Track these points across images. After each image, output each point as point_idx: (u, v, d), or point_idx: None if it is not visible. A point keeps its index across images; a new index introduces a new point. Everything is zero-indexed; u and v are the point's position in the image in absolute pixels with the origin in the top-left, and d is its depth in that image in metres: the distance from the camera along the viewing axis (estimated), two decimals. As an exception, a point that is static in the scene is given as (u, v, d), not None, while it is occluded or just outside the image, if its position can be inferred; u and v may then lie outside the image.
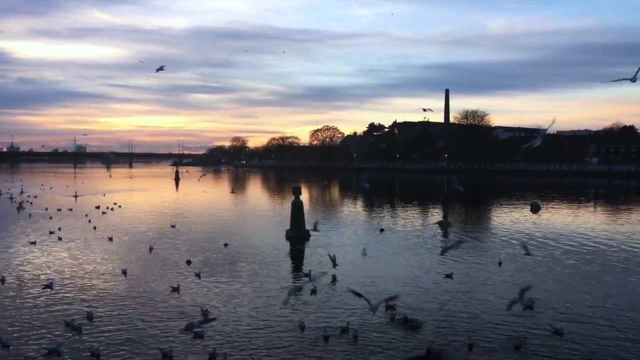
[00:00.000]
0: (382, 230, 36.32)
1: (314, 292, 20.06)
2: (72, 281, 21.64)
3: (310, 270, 22.95)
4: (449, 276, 22.69)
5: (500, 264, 25.41)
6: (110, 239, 31.30)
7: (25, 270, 23.38)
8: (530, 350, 14.41)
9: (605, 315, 17.59)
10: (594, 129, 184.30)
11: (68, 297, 19.25)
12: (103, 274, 22.90)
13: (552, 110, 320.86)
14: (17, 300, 18.73)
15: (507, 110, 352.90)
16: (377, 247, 30.33)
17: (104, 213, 45.27)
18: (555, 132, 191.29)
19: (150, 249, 27.92)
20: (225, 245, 29.33)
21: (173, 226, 37.25)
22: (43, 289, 20.18)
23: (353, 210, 54.32)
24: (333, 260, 21.49)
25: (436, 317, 17.18)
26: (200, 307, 17.55)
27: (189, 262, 24.56)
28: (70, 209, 47.28)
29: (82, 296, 19.41)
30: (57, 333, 15.38)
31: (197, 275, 22.32)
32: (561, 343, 14.89)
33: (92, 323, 16.09)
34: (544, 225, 39.77)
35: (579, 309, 18.24)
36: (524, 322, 16.73)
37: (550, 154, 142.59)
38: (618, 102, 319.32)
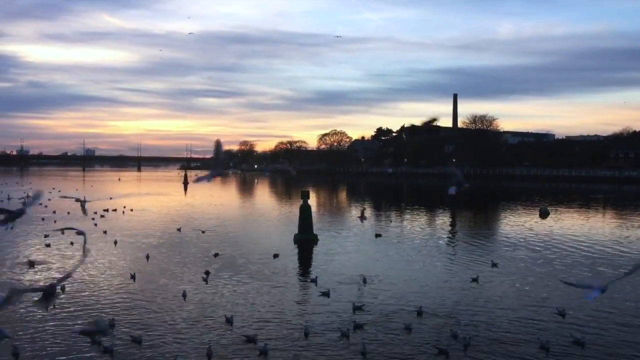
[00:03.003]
0: (378, 235, 36.11)
1: (325, 294, 20.16)
2: (82, 285, 21.75)
3: (316, 276, 22.90)
4: (475, 280, 22.70)
5: (494, 265, 25.81)
6: (115, 243, 31.44)
7: (35, 273, 23.53)
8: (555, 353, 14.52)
9: (626, 322, 17.53)
10: (604, 134, 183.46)
11: (79, 300, 19.36)
12: (112, 278, 23.00)
13: (560, 115, 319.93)
14: (29, 305, 18.85)
15: (516, 115, 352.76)
16: (381, 251, 30.34)
17: (102, 216, 45.26)
18: (564, 137, 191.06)
19: (147, 257, 26.98)
20: (216, 255, 28.00)
21: (179, 229, 37.40)
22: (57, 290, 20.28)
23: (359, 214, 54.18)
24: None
25: (462, 316, 17.20)
26: (225, 314, 17.30)
27: (207, 273, 23.39)
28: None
29: (93, 300, 19.53)
30: (73, 338, 15.49)
31: (205, 280, 22.36)
32: (582, 351, 14.80)
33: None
34: (553, 230, 39.56)
35: (598, 314, 18.13)
36: (551, 326, 16.76)
37: (559, 159, 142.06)
38: (628, 107, 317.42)
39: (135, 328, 16.22)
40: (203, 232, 36.34)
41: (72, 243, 31.08)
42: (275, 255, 27.72)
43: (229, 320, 16.61)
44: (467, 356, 14.31)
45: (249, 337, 15.22)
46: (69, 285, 21.13)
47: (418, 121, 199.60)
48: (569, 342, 15.26)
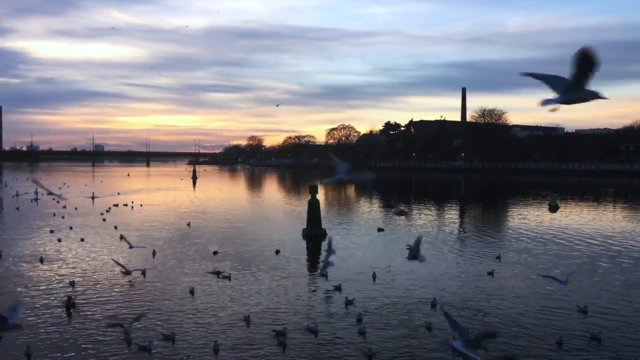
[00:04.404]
0: (380, 229, 35.97)
1: (337, 288, 20.22)
2: (93, 280, 21.89)
3: (326, 272, 22.86)
4: (490, 274, 22.71)
5: (498, 258, 26.05)
6: (121, 237, 31.55)
7: (46, 269, 23.68)
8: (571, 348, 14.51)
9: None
10: (614, 127, 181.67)
11: (91, 295, 19.48)
12: (124, 274, 23.13)
13: (570, 109, 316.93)
14: (44, 300, 19.00)
15: (525, 109, 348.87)
16: (387, 245, 30.31)
17: (107, 211, 45.36)
18: (574, 131, 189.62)
19: (154, 253, 26.78)
20: (215, 253, 27.22)
21: (188, 224, 37.53)
22: (66, 286, 20.48)
23: (368, 209, 54.14)
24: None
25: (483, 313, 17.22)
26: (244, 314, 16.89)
27: (219, 274, 22.76)
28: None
29: (106, 296, 19.65)
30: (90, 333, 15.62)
31: (216, 274, 22.36)
32: (599, 346, 14.76)
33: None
34: (563, 224, 39.34)
35: (615, 310, 18.06)
36: (566, 320, 16.79)
37: (569, 153, 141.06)
38: (638, 100, 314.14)
39: (148, 324, 16.32)
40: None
41: (82, 239, 31.18)
42: (277, 252, 27.56)
43: (247, 319, 16.34)
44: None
45: (278, 331, 15.29)
46: (82, 282, 21.30)
47: (427, 116, 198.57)
48: (586, 337, 15.15)
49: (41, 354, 13.97)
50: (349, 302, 18.29)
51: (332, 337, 15.17)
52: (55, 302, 18.47)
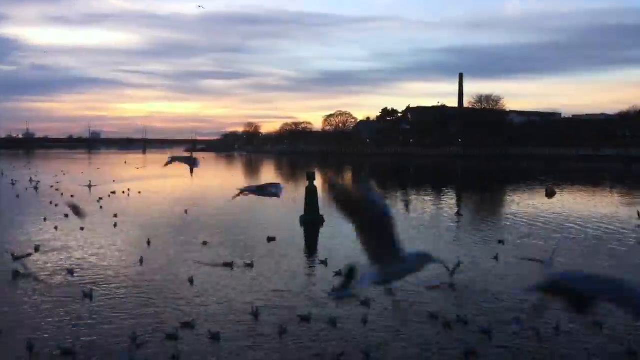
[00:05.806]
0: None
1: (338, 274, 20.19)
2: (92, 269, 21.84)
3: (326, 259, 22.75)
4: (495, 258, 22.92)
5: (501, 242, 26.30)
6: (115, 225, 31.55)
7: (42, 257, 23.61)
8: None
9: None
10: (611, 112, 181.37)
11: (88, 281, 19.42)
12: (121, 261, 23.12)
13: (568, 94, 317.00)
14: (41, 287, 18.96)
15: (523, 94, 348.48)
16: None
17: (101, 199, 44.92)
18: (571, 116, 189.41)
19: (149, 242, 26.31)
20: (205, 243, 26.49)
21: (186, 211, 37.45)
22: (65, 275, 20.40)
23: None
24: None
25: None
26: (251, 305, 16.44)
27: (227, 264, 22.21)
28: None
29: (103, 283, 19.59)
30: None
31: (213, 264, 22.27)
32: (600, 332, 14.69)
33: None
34: (560, 210, 39.38)
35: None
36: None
37: (566, 138, 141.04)
38: (636, 85, 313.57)
39: (151, 315, 16.29)
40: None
41: (82, 228, 30.98)
42: (271, 239, 27.34)
43: (254, 313, 15.83)
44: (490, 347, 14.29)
45: (303, 316, 15.35)
46: (79, 269, 21.24)
47: (424, 102, 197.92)
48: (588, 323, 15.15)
49: (43, 347, 13.72)
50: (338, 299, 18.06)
51: (333, 325, 15.12)
52: (52, 291, 18.40)
